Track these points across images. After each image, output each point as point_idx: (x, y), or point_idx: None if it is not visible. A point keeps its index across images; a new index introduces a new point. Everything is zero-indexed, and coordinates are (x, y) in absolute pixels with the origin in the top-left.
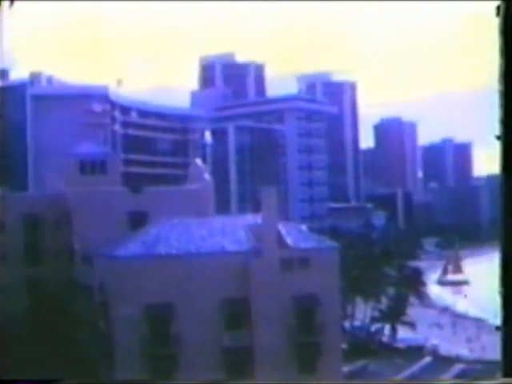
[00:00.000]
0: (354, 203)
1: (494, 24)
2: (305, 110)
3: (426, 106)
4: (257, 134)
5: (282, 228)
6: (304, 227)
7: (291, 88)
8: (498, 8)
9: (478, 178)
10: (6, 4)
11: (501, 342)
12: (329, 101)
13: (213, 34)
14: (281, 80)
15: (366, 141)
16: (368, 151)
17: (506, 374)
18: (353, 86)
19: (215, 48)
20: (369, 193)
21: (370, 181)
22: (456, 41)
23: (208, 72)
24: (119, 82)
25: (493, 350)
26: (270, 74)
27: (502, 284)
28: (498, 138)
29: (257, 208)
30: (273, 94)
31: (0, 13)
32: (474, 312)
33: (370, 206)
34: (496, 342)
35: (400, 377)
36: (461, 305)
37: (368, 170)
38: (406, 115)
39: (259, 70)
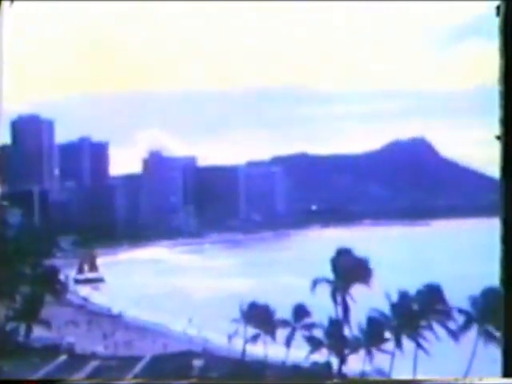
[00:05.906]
0: None
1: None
2: None
3: (66, 104)
4: None
5: None
6: None
7: None
8: (498, 8)
9: (114, 178)
10: (6, 4)
11: (501, 341)
12: None
13: None
14: None
15: (3, 137)
16: (5, 147)
17: (506, 374)
18: None
19: None
20: (4, 190)
21: None
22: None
23: None
24: None
25: (127, 346)
26: None
27: (501, 282)
28: (498, 137)
29: None
30: None
31: (0, 13)
32: (110, 309)
33: (5, 203)
34: (131, 337)
35: (36, 375)
36: (97, 302)
37: (4, 167)
38: (45, 113)
39: None
